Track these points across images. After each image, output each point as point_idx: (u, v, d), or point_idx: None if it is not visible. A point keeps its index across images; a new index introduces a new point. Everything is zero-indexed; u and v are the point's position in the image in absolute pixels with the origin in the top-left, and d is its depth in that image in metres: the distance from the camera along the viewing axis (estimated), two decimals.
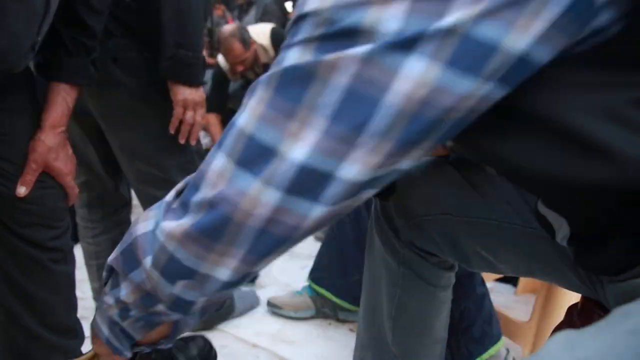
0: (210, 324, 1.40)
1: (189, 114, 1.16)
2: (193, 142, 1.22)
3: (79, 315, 1.49)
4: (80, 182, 1.39)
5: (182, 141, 1.20)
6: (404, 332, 0.75)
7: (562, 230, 0.50)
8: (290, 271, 1.79)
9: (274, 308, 1.47)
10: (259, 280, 1.70)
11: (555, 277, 0.61)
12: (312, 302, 1.45)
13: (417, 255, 0.71)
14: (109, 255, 1.48)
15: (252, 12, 3.42)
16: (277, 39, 2.61)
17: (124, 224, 1.42)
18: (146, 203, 1.29)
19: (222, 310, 1.40)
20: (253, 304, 1.52)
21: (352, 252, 1.38)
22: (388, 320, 0.76)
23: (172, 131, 1.18)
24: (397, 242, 0.72)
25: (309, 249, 1.99)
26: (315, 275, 1.44)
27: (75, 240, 1.99)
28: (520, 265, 0.63)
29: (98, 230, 1.40)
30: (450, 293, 0.77)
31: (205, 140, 3.55)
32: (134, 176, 1.27)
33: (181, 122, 1.18)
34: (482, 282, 1.10)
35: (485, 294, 1.09)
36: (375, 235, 0.76)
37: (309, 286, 1.46)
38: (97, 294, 1.45)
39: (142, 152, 1.21)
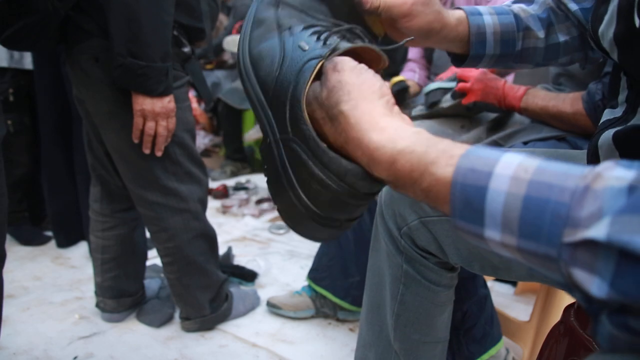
0: (209, 325, 1.41)
1: (149, 125, 1.14)
2: (158, 154, 1.19)
3: (78, 315, 1.49)
4: (96, 176, 1.40)
5: (146, 151, 1.18)
6: (405, 330, 0.75)
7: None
8: (289, 271, 1.79)
9: (274, 308, 1.47)
10: (259, 280, 1.70)
11: (556, 282, 0.61)
12: (312, 302, 1.45)
13: (418, 255, 0.71)
14: (115, 251, 1.47)
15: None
16: None
17: (133, 223, 1.43)
18: (138, 204, 1.29)
19: (219, 312, 1.40)
20: (254, 304, 1.52)
21: (353, 252, 1.38)
22: (391, 318, 0.76)
23: (136, 141, 1.17)
24: (400, 239, 0.72)
25: (308, 248, 1.99)
26: (315, 275, 1.44)
27: (79, 238, 2.00)
28: (521, 270, 0.63)
29: (107, 225, 1.40)
30: (453, 293, 0.77)
31: (205, 140, 3.55)
32: (124, 176, 1.27)
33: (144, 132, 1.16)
34: (484, 284, 1.10)
35: (487, 295, 1.09)
36: (380, 232, 0.76)
37: (309, 286, 1.46)
38: (100, 289, 1.45)
39: (128, 154, 1.22)
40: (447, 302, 0.76)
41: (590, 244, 0.28)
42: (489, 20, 0.66)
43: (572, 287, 0.30)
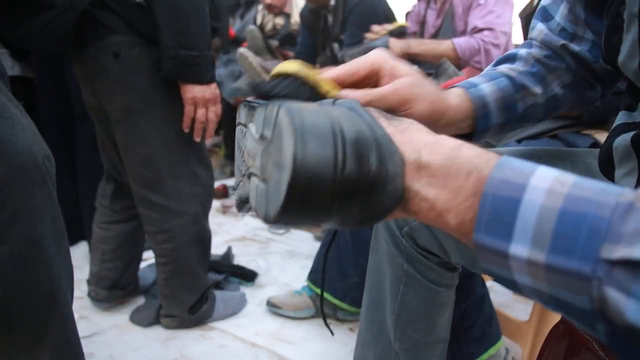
0: (189, 324, 1.41)
1: (200, 112, 1.18)
2: (209, 139, 1.25)
3: (78, 315, 1.49)
4: (107, 174, 1.42)
5: (197, 139, 1.22)
6: (406, 330, 0.75)
7: (625, 168, 0.51)
8: (289, 271, 1.79)
9: (274, 308, 1.47)
10: (259, 280, 1.69)
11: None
12: (312, 301, 1.45)
13: (419, 255, 0.71)
14: (114, 244, 1.45)
15: (254, 10, 3.43)
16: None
17: (139, 220, 1.43)
18: (139, 205, 1.30)
19: (199, 313, 1.40)
20: (236, 308, 1.50)
21: (351, 254, 1.38)
22: (391, 317, 0.76)
23: (186, 130, 1.20)
24: (401, 239, 0.72)
25: (308, 248, 1.99)
26: (315, 277, 1.44)
27: (78, 238, 2.00)
28: None
29: (113, 218, 1.43)
30: (454, 293, 0.77)
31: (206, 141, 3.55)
32: (130, 175, 1.28)
33: (194, 120, 1.20)
34: (483, 283, 1.10)
35: (485, 295, 1.09)
36: (380, 231, 0.76)
37: (308, 286, 1.46)
38: (93, 278, 1.48)
39: (136, 152, 1.22)
40: (448, 302, 0.76)
41: (633, 264, 0.26)
42: (486, 89, 0.60)
43: (598, 313, 0.28)
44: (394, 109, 0.48)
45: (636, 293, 0.26)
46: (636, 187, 0.55)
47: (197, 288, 1.37)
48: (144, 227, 1.34)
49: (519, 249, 0.30)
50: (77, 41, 1.17)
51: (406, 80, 0.49)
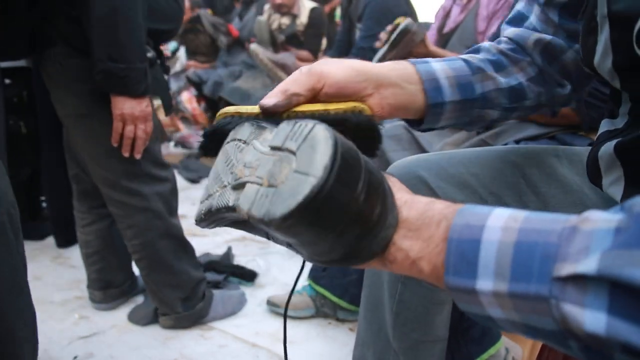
0: (185, 323, 1.41)
1: (128, 129, 1.18)
2: (137, 156, 1.24)
3: (78, 315, 1.50)
4: (72, 175, 1.46)
5: (125, 154, 1.21)
6: (404, 329, 0.75)
7: (611, 177, 0.53)
8: (290, 271, 1.78)
9: (274, 307, 1.47)
10: (259, 280, 1.70)
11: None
12: (312, 301, 1.45)
13: None
14: (95, 245, 1.53)
15: (253, 9, 3.42)
16: (314, 17, 2.95)
17: (110, 218, 1.46)
18: (107, 202, 1.33)
19: (194, 311, 1.40)
20: (236, 308, 1.50)
21: None
22: (389, 316, 0.76)
23: (115, 144, 1.20)
24: None
25: None
26: (315, 274, 1.44)
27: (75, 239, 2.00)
28: None
29: (86, 221, 1.46)
30: None
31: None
32: (92, 176, 1.31)
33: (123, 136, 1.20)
34: None
35: None
36: None
37: (309, 285, 1.46)
38: (90, 282, 1.49)
39: (92, 154, 1.26)
40: (446, 301, 0.76)
41: (580, 279, 0.29)
42: (436, 66, 0.59)
43: (565, 332, 0.30)
44: (313, 87, 0.50)
45: (588, 304, 0.28)
46: (623, 194, 0.56)
47: (182, 284, 1.37)
48: (118, 225, 1.36)
49: (484, 283, 0.33)
50: (34, 51, 1.21)
51: (311, 64, 0.52)
